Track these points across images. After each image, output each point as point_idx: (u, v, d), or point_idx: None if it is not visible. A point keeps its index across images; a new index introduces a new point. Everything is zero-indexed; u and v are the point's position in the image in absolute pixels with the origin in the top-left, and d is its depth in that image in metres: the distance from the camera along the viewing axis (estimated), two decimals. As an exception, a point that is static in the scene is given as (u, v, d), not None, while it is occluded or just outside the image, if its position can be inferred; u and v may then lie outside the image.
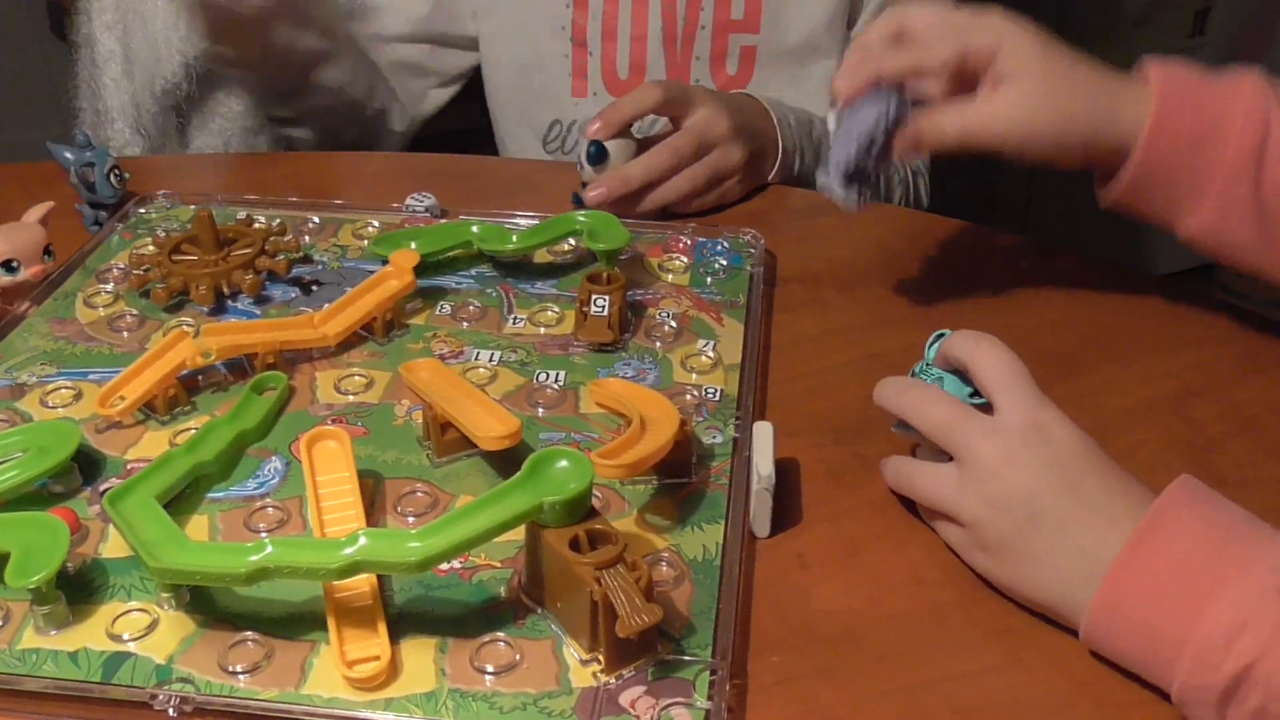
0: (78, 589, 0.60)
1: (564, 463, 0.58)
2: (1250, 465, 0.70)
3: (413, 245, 0.86)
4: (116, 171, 0.93)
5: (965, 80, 0.73)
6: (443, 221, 0.93)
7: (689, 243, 0.91)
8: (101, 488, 0.67)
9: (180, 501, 0.66)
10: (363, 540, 0.56)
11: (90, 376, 0.76)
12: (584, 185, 0.94)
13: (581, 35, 1.13)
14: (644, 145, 0.95)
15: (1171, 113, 0.69)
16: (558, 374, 0.76)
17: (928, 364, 0.66)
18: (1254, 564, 0.52)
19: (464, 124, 1.32)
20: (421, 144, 1.29)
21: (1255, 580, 0.51)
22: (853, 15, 1.14)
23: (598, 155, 0.92)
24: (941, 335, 0.69)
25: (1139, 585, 0.54)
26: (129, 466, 0.69)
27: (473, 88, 1.25)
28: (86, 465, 0.69)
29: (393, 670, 0.56)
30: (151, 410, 0.73)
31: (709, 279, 0.87)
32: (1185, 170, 0.70)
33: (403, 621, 0.59)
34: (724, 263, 0.89)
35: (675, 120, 0.97)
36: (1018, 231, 0.95)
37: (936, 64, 0.71)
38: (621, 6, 1.11)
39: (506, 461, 0.67)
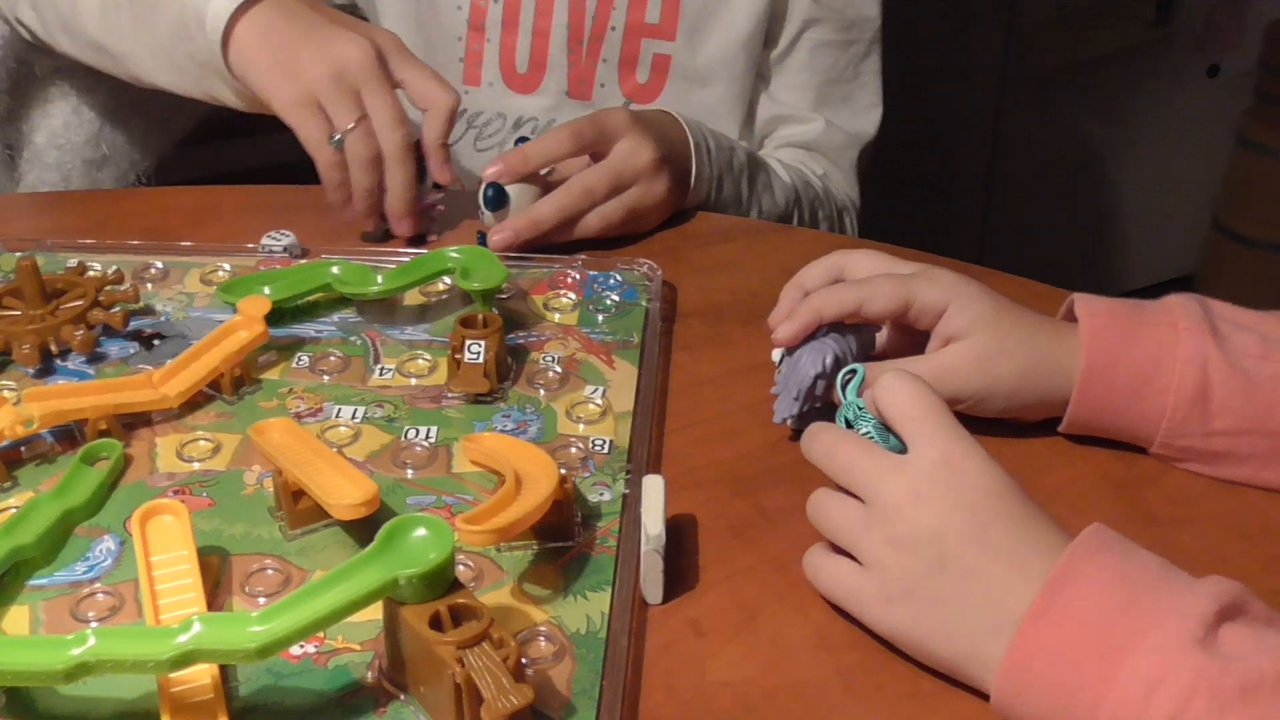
0: (-125, 696, 0.61)
1: (422, 531, 0.60)
2: (1184, 502, 0.73)
3: (265, 290, 0.87)
4: (-72, 217, 0.94)
5: (903, 329, 0.79)
6: (302, 262, 0.94)
7: (578, 277, 0.93)
8: (-95, 579, 0.67)
9: (-4, 591, 0.66)
10: (197, 627, 0.57)
11: (-105, 452, 0.76)
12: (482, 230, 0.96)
13: (480, 19, 1.16)
14: (550, 184, 0.97)
15: (1102, 369, 0.74)
16: (429, 430, 0.78)
17: (859, 408, 0.68)
18: (1169, 614, 0.55)
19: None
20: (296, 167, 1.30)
21: (1171, 631, 0.54)
22: (772, 34, 1.18)
23: (497, 199, 0.95)
24: (853, 371, 0.71)
25: (1049, 644, 0.56)
26: (-62, 553, 0.69)
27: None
28: (-112, 554, 0.69)
29: (235, 771, 0.57)
30: (-35, 488, 0.73)
31: (600, 317, 0.89)
32: (1122, 425, 0.76)
33: (249, 715, 0.59)
34: (616, 298, 0.91)
35: (595, 156, 0.99)
36: (973, 256, 0.98)
37: (879, 311, 0.76)
38: None
39: (370, 531, 0.68)
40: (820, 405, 0.77)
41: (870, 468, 0.63)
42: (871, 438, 0.66)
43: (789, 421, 0.78)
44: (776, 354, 0.79)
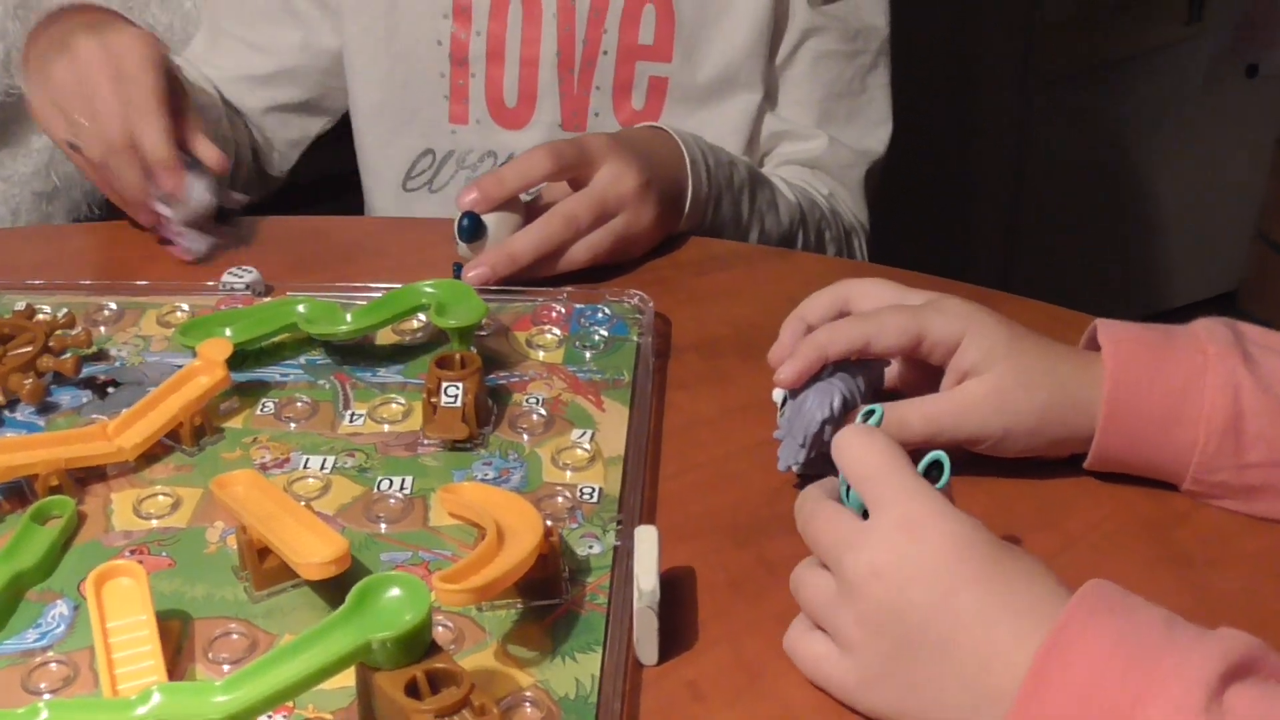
0: None
1: (396, 590, 0.60)
2: (1218, 541, 0.74)
3: (227, 332, 0.88)
4: None
5: (915, 364, 0.80)
6: (265, 300, 0.95)
7: (563, 311, 0.94)
8: None
9: (-59, 663, 0.67)
10: (157, 698, 0.57)
11: None
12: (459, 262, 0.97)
13: (462, 53, 1.17)
14: (534, 210, 0.98)
15: (1127, 400, 0.75)
16: (403, 480, 0.79)
17: None
18: (1173, 681, 0.54)
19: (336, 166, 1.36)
20: (283, 195, 1.31)
21: (1175, 700, 0.53)
22: (773, 45, 1.19)
23: (472, 230, 0.96)
24: (871, 411, 0.72)
25: None
26: (-123, 623, 0.70)
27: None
28: None
29: None
30: (-94, 552, 0.74)
31: (587, 354, 0.90)
32: (1150, 460, 0.76)
33: (213, 793, 0.60)
34: (605, 333, 0.92)
35: (575, 182, 1.00)
36: (996, 278, 0.98)
37: (889, 346, 0.77)
38: (510, 23, 1.16)
39: (341, 591, 0.68)
40: (828, 451, 0.77)
41: (834, 540, 0.63)
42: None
43: (794, 469, 0.78)
44: (778, 394, 0.80)
